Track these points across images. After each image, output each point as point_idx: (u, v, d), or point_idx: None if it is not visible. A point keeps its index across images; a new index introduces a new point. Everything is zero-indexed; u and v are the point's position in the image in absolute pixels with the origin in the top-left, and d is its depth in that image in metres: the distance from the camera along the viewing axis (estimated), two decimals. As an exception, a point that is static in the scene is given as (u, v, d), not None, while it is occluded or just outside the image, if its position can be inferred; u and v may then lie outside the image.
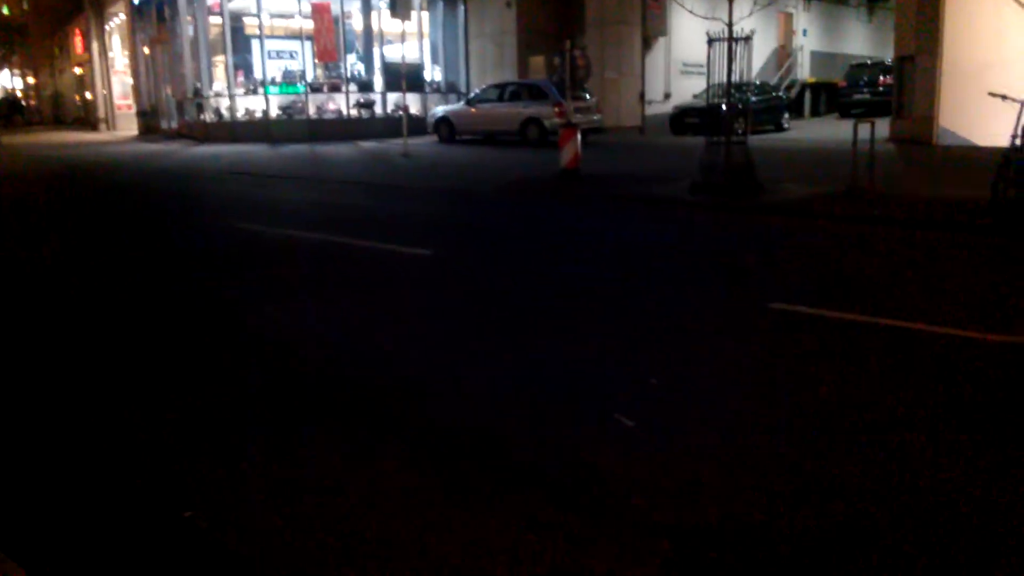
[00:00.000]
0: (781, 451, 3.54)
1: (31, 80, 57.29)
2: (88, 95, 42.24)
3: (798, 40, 30.72)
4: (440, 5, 28.94)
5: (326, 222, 10.60)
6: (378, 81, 27.19)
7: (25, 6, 49.77)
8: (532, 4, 26.21)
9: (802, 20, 30.78)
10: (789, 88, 28.61)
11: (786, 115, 24.61)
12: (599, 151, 18.18)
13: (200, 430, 3.91)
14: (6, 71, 57.18)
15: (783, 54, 30.31)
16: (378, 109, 26.65)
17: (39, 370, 4.92)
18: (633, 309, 5.97)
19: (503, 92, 22.21)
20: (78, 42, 41.98)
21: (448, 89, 28.40)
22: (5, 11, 51.58)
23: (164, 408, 4.19)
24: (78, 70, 44.16)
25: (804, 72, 30.63)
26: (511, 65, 26.63)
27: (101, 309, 6.35)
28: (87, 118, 41.33)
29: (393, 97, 25.78)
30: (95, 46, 39.17)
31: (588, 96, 22.54)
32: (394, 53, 28.38)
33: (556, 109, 19.76)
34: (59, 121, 48.07)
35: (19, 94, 57.75)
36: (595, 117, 21.28)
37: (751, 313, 5.79)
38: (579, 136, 13.63)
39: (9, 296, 6.90)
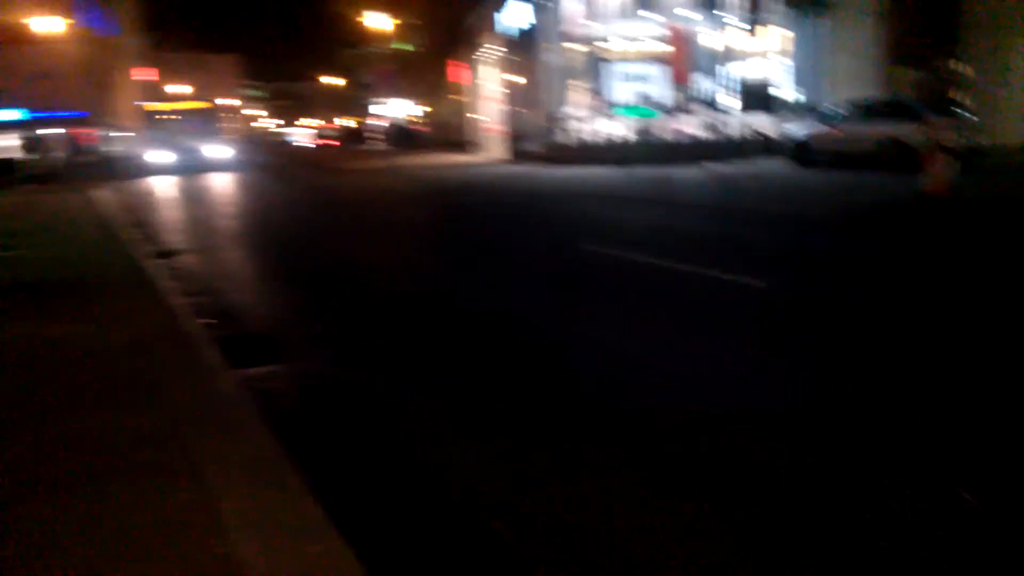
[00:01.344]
0: None
1: (425, 109, 64.92)
2: (465, 120, 46.95)
3: None
4: (798, 21, 27.92)
5: (665, 246, 10.72)
6: (730, 101, 26.89)
7: (420, 41, 56.79)
8: (900, 14, 24.19)
9: None
10: None
11: None
12: (977, 175, 16.32)
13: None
14: (405, 100, 65.76)
15: None
16: (730, 130, 26.31)
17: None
18: (987, 368, 5.31)
19: (865, 110, 20.74)
20: (458, 72, 46.87)
21: (805, 108, 27.25)
22: (410, 48, 59.43)
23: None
24: (457, 97, 49.20)
25: None
26: (875, 81, 24.83)
27: (466, 322, 7.10)
28: (464, 141, 45.91)
29: (746, 118, 25.29)
30: (470, 75, 43.47)
31: (966, 113, 20.35)
32: (747, 72, 27.94)
33: (924, 128, 18.04)
34: (444, 144, 53.89)
35: (414, 120, 65.97)
36: (973, 137, 19.07)
37: None
38: (947, 158, 12.36)
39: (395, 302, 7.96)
